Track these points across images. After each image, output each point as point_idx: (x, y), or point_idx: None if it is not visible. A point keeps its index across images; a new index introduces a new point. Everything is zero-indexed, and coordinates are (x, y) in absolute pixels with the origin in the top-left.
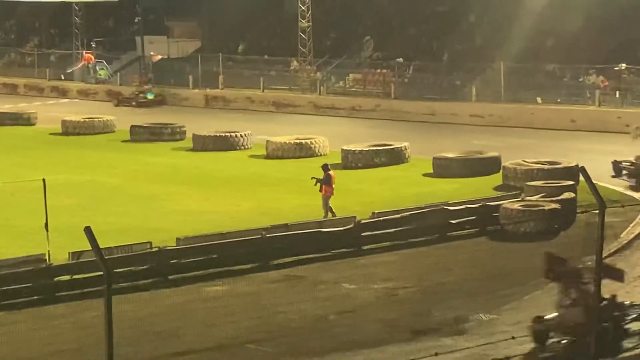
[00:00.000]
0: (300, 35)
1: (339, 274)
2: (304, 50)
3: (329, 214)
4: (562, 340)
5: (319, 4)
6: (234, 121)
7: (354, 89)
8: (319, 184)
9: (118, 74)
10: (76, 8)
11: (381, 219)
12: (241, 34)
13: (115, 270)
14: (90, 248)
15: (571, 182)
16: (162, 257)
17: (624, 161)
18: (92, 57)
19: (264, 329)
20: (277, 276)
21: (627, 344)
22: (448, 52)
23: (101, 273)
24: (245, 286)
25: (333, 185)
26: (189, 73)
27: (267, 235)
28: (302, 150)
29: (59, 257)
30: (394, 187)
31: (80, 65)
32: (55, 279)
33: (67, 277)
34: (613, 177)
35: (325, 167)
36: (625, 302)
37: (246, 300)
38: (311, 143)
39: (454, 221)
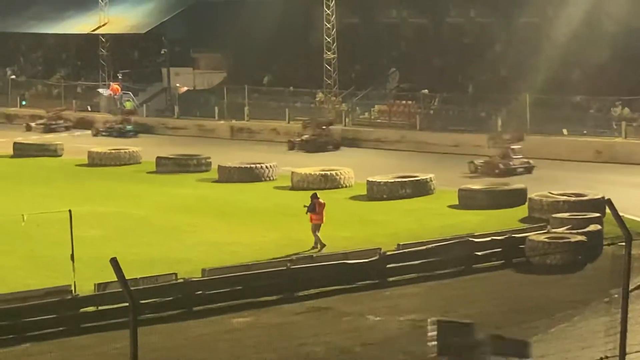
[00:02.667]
0: (326, 67)
1: (364, 306)
2: (329, 81)
3: (319, 244)
4: None
5: (345, 35)
6: (259, 152)
7: (379, 121)
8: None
9: (144, 105)
10: (103, 40)
11: (406, 250)
12: (267, 66)
13: (140, 302)
14: (116, 279)
15: (597, 214)
16: (188, 289)
17: None
18: (119, 89)
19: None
20: (302, 308)
21: None
22: (473, 83)
23: (127, 304)
24: (271, 318)
25: (323, 214)
26: (214, 104)
27: (292, 267)
28: (327, 182)
29: (85, 288)
30: (419, 218)
31: (106, 96)
32: (81, 310)
33: (92, 308)
34: None
35: (313, 196)
36: None
37: (271, 332)
38: (336, 174)
39: (479, 253)
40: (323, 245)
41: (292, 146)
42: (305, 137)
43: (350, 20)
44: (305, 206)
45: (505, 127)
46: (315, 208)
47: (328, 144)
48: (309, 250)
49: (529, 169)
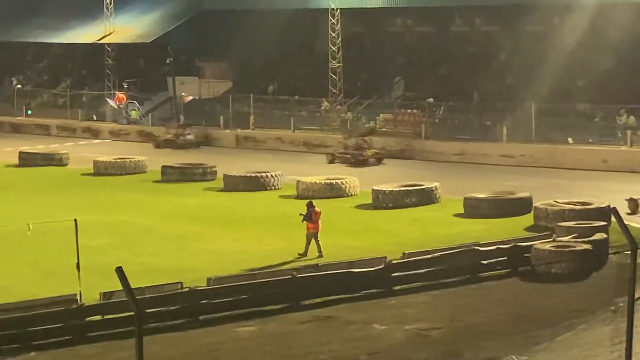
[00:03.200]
0: (331, 76)
1: (370, 315)
2: (334, 90)
3: (317, 252)
4: None
5: (350, 44)
6: (264, 161)
7: (384, 129)
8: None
9: (150, 114)
10: (108, 49)
11: (412, 259)
12: (272, 75)
13: (146, 311)
14: (122, 288)
15: (603, 223)
16: (193, 297)
17: None
18: (124, 98)
19: None
20: (308, 316)
21: None
22: (478, 92)
23: (132, 313)
24: (276, 326)
25: (319, 222)
26: (220, 113)
27: (298, 276)
28: (333, 191)
29: (90, 297)
30: (424, 227)
31: (111, 105)
32: (87, 319)
33: (98, 317)
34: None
35: (309, 204)
36: None
37: (277, 341)
38: (342, 183)
39: (485, 262)
40: (320, 255)
41: (331, 159)
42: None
43: (355, 29)
44: (301, 214)
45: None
46: (311, 217)
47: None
48: (299, 257)
49: (379, 160)
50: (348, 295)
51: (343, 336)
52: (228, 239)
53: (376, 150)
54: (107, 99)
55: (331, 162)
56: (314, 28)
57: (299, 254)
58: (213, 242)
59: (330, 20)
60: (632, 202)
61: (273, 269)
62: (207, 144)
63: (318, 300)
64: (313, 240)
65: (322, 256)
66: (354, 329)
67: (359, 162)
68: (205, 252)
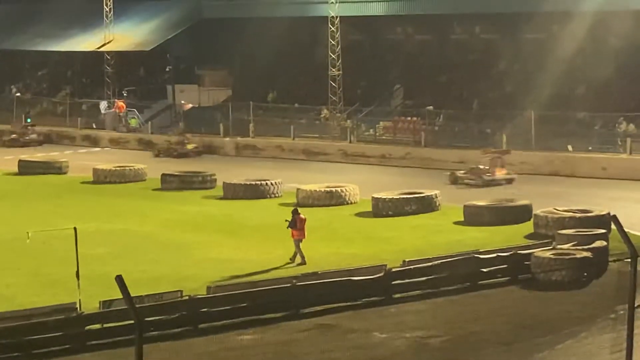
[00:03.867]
0: (331, 84)
1: (370, 323)
2: (334, 98)
3: (298, 257)
4: None
5: (350, 52)
6: (264, 169)
7: (384, 137)
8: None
9: (149, 122)
10: (108, 57)
11: (412, 267)
12: (272, 83)
13: (146, 319)
14: (121, 296)
15: (603, 231)
16: (193, 306)
17: None
18: (124, 106)
19: None
20: (308, 325)
21: None
22: (478, 100)
23: (132, 322)
24: (276, 335)
25: (304, 229)
26: (219, 121)
27: (298, 284)
28: (333, 198)
29: (90, 305)
30: (424, 235)
31: (109, 108)
32: (86, 327)
33: (98, 326)
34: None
35: (294, 211)
36: None
37: (277, 349)
38: (342, 191)
39: (485, 270)
40: (303, 262)
41: (157, 153)
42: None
43: (355, 37)
44: (286, 220)
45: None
46: (296, 224)
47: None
48: (287, 264)
49: (198, 154)
50: (348, 303)
51: (343, 344)
52: (228, 247)
53: (195, 145)
54: (101, 106)
55: (157, 156)
56: (314, 36)
57: (292, 262)
58: (213, 251)
59: (330, 28)
60: (452, 175)
61: (273, 277)
62: (208, 152)
63: (318, 308)
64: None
65: (298, 263)
66: (354, 337)
67: (180, 154)
68: (206, 261)
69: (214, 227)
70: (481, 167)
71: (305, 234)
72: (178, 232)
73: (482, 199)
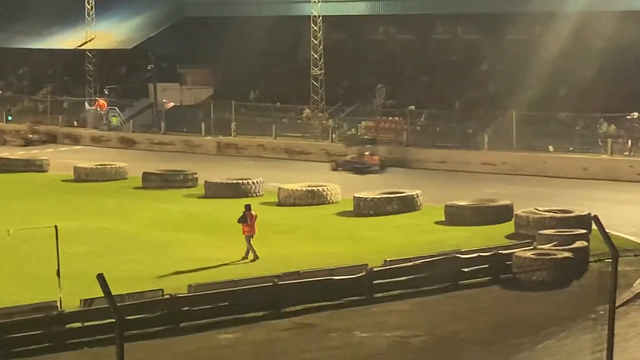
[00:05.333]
0: (313, 83)
1: (351, 322)
2: (316, 97)
3: (250, 254)
4: None
5: (332, 52)
6: (246, 168)
7: (366, 137)
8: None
9: (131, 120)
10: (89, 55)
11: (393, 267)
12: (254, 82)
13: (127, 318)
14: (102, 295)
15: (584, 231)
16: (174, 305)
17: None
18: (105, 104)
19: None
20: (289, 324)
21: None
22: (460, 100)
23: (113, 320)
24: (257, 334)
25: (255, 225)
26: (201, 120)
27: (279, 283)
28: (314, 198)
29: (71, 304)
30: (406, 234)
31: (92, 108)
32: (67, 326)
33: (78, 324)
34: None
35: (246, 207)
36: None
37: (258, 348)
38: (323, 190)
39: (466, 269)
40: (256, 257)
41: (335, 167)
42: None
43: (337, 36)
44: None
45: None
46: (246, 219)
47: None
48: (239, 260)
49: (43, 142)
50: (329, 303)
51: (324, 344)
52: (209, 246)
53: (40, 135)
54: (86, 104)
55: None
56: (296, 35)
57: (246, 258)
58: (194, 249)
59: (313, 27)
60: (334, 162)
61: (254, 276)
62: (189, 150)
63: (299, 307)
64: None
65: (251, 259)
66: (335, 336)
67: (27, 142)
68: (187, 259)
69: (196, 225)
70: (365, 153)
71: (256, 230)
72: (159, 230)
73: (369, 185)
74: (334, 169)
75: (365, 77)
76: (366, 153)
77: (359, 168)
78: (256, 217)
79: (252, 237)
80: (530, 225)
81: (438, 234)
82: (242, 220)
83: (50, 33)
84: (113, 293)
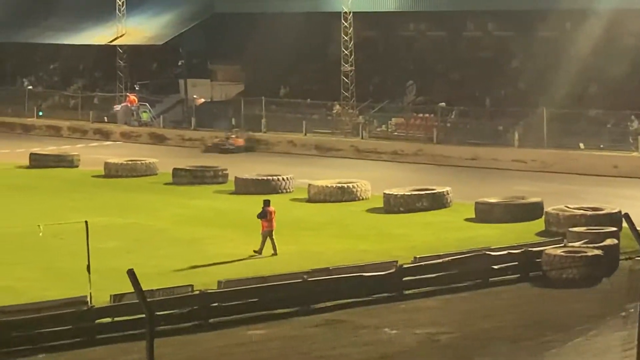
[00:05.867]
0: (343, 80)
1: (381, 319)
2: (346, 94)
3: (260, 248)
4: None
5: (362, 48)
6: (276, 165)
7: (396, 133)
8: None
9: (161, 116)
10: (120, 51)
11: (423, 263)
12: (284, 78)
13: (156, 313)
14: (133, 290)
15: (614, 229)
16: (204, 300)
17: None
18: (135, 100)
19: None
20: (319, 320)
21: None
22: (491, 97)
23: (143, 315)
24: (287, 330)
25: (273, 221)
26: (231, 116)
27: (309, 279)
28: (344, 194)
29: (101, 299)
30: (435, 231)
31: (122, 105)
32: (97, 321)
33: (108, 320)
34: None
35: (265, 203)
36: None
37: (287, 345)
38: (353, 187)
39: (496, 267)
40: (275, 252)
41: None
42: None
43: (367, 33)
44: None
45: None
46: (266, 215)
47: None
48: (253, 255)
49: None
50: (359, 299)
51: (353, 340)
52: (239, 242)
53: None
54: (115, 107)
55: (205, 151)
56: (327, 31)
57: (254, 251)
58: (224, 246)
59: (343, 23)
60: (204, 145)
61: (284, 272)
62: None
63: (329, 304)
64: (269, 239)
65: (276, 254)
66: (365, 333)
67: (224, 150)
68: (216, 255)
69: (225, 222)
70: (231, 136)
71: (275, 225)
72: (189, 226)
73: (399, 182)
74: (205, 151)
75: (395, 73)
76: (232, 136)
77: (225, 149)
78: (274, 212)
79: (272, 232)
80: (561, 222)
81: (468, 231)
82: (262, 215)
83: (81, 29)
84: (143, 289)
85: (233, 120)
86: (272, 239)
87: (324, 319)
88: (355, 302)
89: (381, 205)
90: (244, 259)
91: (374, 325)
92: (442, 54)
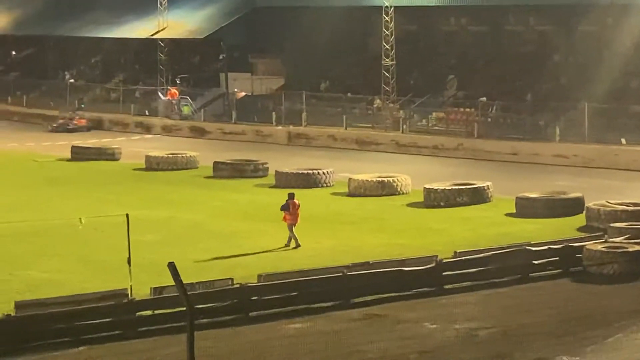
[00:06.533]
0: (384, 74)
1: (420, 313)
2: (387, 88)
3: (292, 242)
4: None
5: (403, 43)
6: (316, 158)
7: (436, 128)
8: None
9: (202, 110)
10: (161, 44)
11: (463, 258)
12: (325, 72)
13: (196, 306)
14: (172, 283)
15: None
16: (243, 294)
17: None
18: (177, 93)
19: None
20: (358, 314)
21: None
22: (532, 92)
23: (183, 309)
24: (326, 324)
25: (297, 214)
26: (272, 110)
27: (348, 273)
28: (385, 188)
29: (141, 292)
30: (476, 226)
31: (162, 101)
32: (137, 314)
33: (148, 313)
34: None
35: (289, 195)
36: None
37: (326, 339)
38: (393, 181)
39: (536, 262)
40: (298, 245)
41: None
42: None
43: (408, 27)
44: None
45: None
46: (288, 207)
47: None
48: (282, 247)
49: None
50: (398, 294)
51: (393, 334)
52: (279, 236)
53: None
54: (160, 94)
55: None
56: (368, 26)
57: (288, 246)
58: (264, 239)
59: (384, 18)
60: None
61: (323, 267)
62: (260, 140)
63: (368, 298)
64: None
65: (296, 247)
66: (404, 327)
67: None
68: (256, 249)
69: (265, 215)
70: (75, 117)
71: (298, 219)
72: (229, 220)
73: (439, 176)
74: (51, 131)
75: (436, 68)
76: (76, 117)
77: (70, 129)
78: (299, 205)
79: (294, 225)
80: (602, 218)
81: (508, 226)
82: (285, 208)
83: (123, 22)
84: (183, 282)
85: (233, 113)
86: (291, 232)
87: (363, 313)
88: (395, 297)
89: (421, 199)
90: (283, 253)
91: (413, 319)
92: (483, 49)
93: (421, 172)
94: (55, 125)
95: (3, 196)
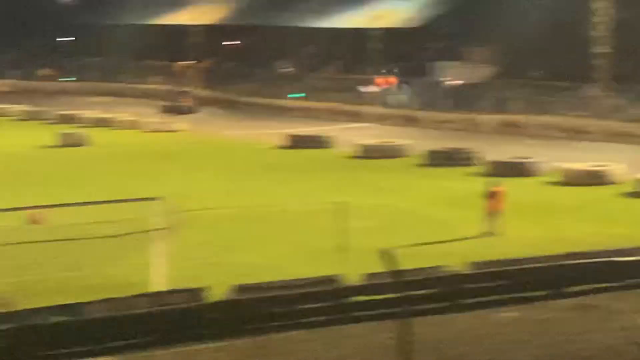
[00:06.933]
0: (599, 61)
1: (636, 305)
2: (602, 76)
3: (493, 229)
4: None
5: (620, 29)
6: (528, 147)
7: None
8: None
9: (415, 99)
10: (375, 34)
11: None
12: (538, 60)
13: (407, 293)
14: (385, 270)
15: None
16: (454, 281)
17: None
18: (391, 81)
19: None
20: (571, 304)
21: None
22: None
23: (395, 295)
24: (536, 314)
25: (500, 202)
26: (484, 98)
27: (561, 263)
28: (599, 178)
29: (353, 278)
30: None
31: (373, 90)
32: (349, 299)
33: (362, 298)
34: None
35: (494, 184)
36: None
37: (536, 328)
38: (607, 170)
39: None
40: (496, 233)
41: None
42: None
43: (624, 14)
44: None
45: None
46: (494, 195)
47: None
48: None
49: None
50: (614, 284)
51: (606, 325)
52: (490, 225)
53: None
54: (363, 88)
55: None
56: (582, 12)
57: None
58: (474, 227)
59: (601, 4)
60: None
61: (534, 256)
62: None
63: (583, 287)
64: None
65: (494, 234)
66: (618, 318)
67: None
68: (468, 237)
69: (476, 203)
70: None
71: (502, 206)
72: (441, 207)
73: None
74: (164, 112)
75: None
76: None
77: (179, 109)
78: (503, 193)
79: (499, 213)
80: None
81: None
82: (490, 195)
83: (335, 12)
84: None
85: (445, 102)
86: (493, 220)
87: (576, 303)
88: (610, 287)
89: (637, 189)
90: (492, 240)
91: (628, 310)
92: None
93: (637, 162)
94: (166, 106)
95: (225, 182)
